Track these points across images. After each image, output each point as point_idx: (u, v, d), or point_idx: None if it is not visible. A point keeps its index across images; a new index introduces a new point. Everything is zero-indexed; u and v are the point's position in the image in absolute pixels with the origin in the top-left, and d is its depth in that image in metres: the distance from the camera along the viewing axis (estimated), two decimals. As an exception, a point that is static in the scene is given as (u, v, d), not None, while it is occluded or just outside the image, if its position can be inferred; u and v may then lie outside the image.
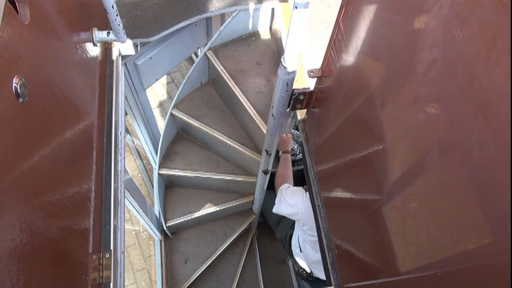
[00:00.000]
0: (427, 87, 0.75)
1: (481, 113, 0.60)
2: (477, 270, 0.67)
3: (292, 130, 2.48)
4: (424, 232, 0.84)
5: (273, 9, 2.55)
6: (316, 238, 2.13)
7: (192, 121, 2.77)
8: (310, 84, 1.59)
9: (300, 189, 2.18)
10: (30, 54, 0.90)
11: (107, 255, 1.24)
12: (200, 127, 2.76)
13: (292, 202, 2.14)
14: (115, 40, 1.64)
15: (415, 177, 0.85)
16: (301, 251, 2.42)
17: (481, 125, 0.60)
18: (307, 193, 2.08)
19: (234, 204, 3.06)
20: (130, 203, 2.26)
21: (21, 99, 0.81)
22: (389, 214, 0.99)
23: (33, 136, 0.88)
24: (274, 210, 2.26)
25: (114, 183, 1.41)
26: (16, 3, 0.90)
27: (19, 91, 0.80)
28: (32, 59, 0.91)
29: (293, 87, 1.48)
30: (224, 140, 2.72)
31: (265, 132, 2.00)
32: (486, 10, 0.57)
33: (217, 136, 2.73)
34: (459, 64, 0.64)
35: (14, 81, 0.79)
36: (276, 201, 2.25)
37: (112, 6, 1.51)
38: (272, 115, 1.63)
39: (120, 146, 1.54)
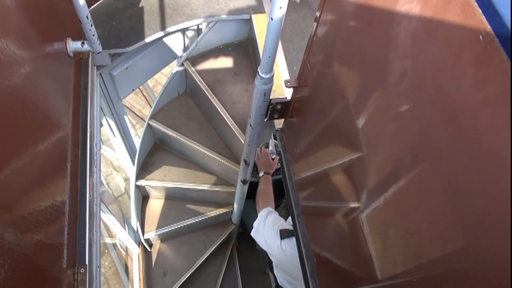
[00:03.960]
0: (398, 97, 0.78)
1: (450, 122, 0.62)
2: (451, 275, 0.69)
3: (271, 140, 2.49)
4: (400, 239, 0.86)
5: (250, 20, 2.58)
6: (294, 283, 2.03)
7: (169, 132, 2.75)
8: (287, 93, 1.60)
9: (277, 232, 1.94)
10: None
11: (82, 270, 1.21)
12: (178, 137, 2.73)
13: (268, 239, 1.98)
14: (90, 51, 1.62)
15: (390, 185, 0.86)
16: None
17: (450, 134, 0.62)
18: (284, 240, 1.89)
19: (213, 214, 3.03)
20: (106, 215, 2.21)
21: (-10, 111, 0.79)
22: (366, 221, 1.01)
23: (4, 149, 0.86)
24: (252, 234, 2.14)
25: (89, 195, 1.38)
26: None
27: (-12, 103, 0.78)
28: (1, 70, 0.89)
29: (271, 97, 1.50)
30: (203, 150, 2.70)
31: (243, 142, 2.00)
32: (451, 24, 0.59)
33: (195, 146, 2.71)
34: (427, 75, 0.66)
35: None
36: (255, 225, 2.11)
37: (87, 16, 1.50)
38: (250, 124, 1.63)
39: (95, 157, 1.51)
